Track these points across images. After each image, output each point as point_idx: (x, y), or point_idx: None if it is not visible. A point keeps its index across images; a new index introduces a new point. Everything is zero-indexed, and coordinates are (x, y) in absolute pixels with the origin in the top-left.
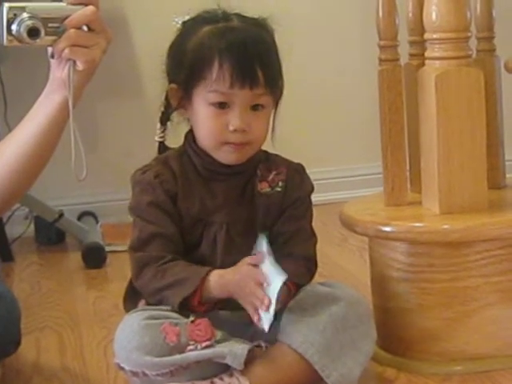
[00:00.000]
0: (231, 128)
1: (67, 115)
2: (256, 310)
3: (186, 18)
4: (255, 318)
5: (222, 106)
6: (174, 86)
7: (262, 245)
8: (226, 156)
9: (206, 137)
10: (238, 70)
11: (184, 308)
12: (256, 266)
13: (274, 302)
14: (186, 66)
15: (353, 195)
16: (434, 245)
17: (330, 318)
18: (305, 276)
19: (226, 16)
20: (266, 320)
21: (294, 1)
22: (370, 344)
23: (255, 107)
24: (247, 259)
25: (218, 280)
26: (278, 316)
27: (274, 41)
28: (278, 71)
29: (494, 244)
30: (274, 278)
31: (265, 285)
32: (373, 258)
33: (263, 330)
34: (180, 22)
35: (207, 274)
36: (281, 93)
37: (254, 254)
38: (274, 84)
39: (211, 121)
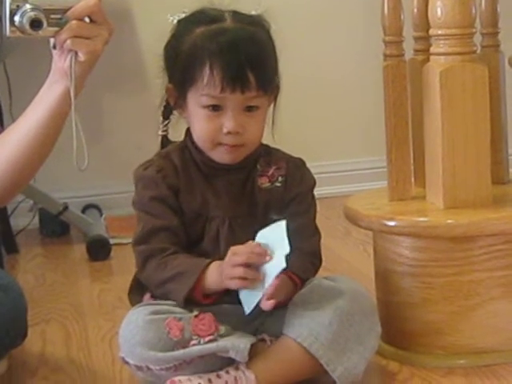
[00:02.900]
0: (225, 130)
1: (69, 105)
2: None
3: (182, 15)
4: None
5: (215, 108)
6: (170, 85)
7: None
8: (221, 156)
9: (200, 138)
10: (229, 74)
11: (189, 302)
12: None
13: (269, 281)
14: (179, 68)
15: (356, 189)
16: (437, 239)
17: (335, 313)
18: (310, 271)
19: (220, 15)
20: (248, 299)
21: None
22: (375, 338)
23: (249, 108)
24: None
25: (216, 270)
26: (281, 309)
27: (271, 38)
28: (272, 71)
29: (497, 239)
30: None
31: (267, 258)
32: (377, 253)
33: (244, 312)
34: (175, 21)
35: (206, 266)
36: (278, 89)
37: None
38: (266, 86)
39: (205, 123)
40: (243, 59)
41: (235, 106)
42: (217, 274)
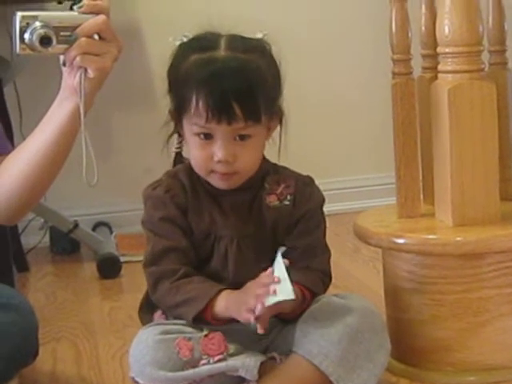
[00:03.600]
0: (215, 159)
1: (79, 122)
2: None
3: (184, 39)
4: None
5: (206, 136)
6: (171, 109)
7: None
8: (216, 182)
9: (195, 165)
10: (213, 106)
11: (199, 322)
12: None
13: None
14: (175, 94)
15: (365, 205)
16: (447, 257)
17: (344, 330)
18: (319, 286)
19: (214, 43)
20: (286, 290)
21: (305, 13)
22: (385, 355)
23: (241, 137)
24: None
25: (226, 299)
26: (291, 327)
27: (270, 64)
28: (267, 99)
29: (506, 256)
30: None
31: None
32: (386, 270)
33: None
34: (177, 43)
35: (217, 294)
36: (281, 113)
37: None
38: (256, 116)
39: (197, 151)
40: (228, 90)
41: (225, 136)
42: (226, 304)
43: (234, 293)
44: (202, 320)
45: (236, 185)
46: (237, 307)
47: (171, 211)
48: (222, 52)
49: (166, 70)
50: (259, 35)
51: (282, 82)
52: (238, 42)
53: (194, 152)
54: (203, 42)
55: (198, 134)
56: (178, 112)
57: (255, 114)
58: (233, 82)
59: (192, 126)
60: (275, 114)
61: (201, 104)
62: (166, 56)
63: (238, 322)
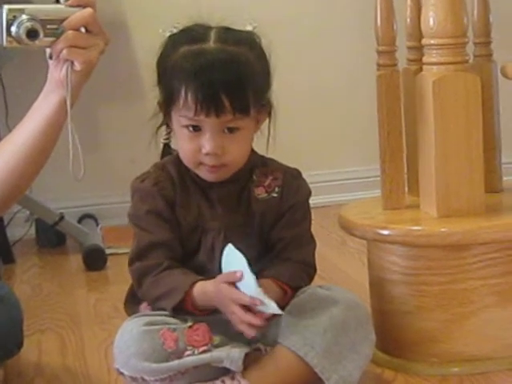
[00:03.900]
0: (203, 151)
1: (65, 115)
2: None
3: (174, 30)
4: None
5: (195, 128)
6: (160, 100)
7: (242, 264)
8: (204, 175)
9: (183, 157)
10: (202, 98)
11: (181, 312)
12: (232, 284)
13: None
14: (164, 85)
15: (351, 198)
16: (431, 248)
17: (330, 321)
18: (303, 279)
19: (204, 35)
20: (271, 309)
21: (293, 6)
22: (370, 347)
23: (230, 129)
24: (224, 276)
25: (201, 295)
26: (276, 318)
27: (260, 57)
28: (255, 93)
29: (490, 247)
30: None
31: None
32: (371, 261)
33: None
34: (167, 35)
35: (191, 287)
36: (270, 106)
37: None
38: (244, 109)
39: (186, 143)
40: (217, 82)
41: (213, 128)
42: (204, 296)
43: (210, 287)
44: (184, 310)
45: (224, 177)
46: (227, 311)
47: (158, 204)
48: (211, 44)
49: (156, 61)
50: (249, 27)
51: (271, 75)
52: (228, 35)
53: (183, 144)
54: (193, 34)
55: (187, 126)
56: (167, 104)
57: (244, 106)
58: (222, 74)
59: (180, 118)
60: (264, 107)
61: (189, 96)
62: (153, 48)
63: (221, 311)
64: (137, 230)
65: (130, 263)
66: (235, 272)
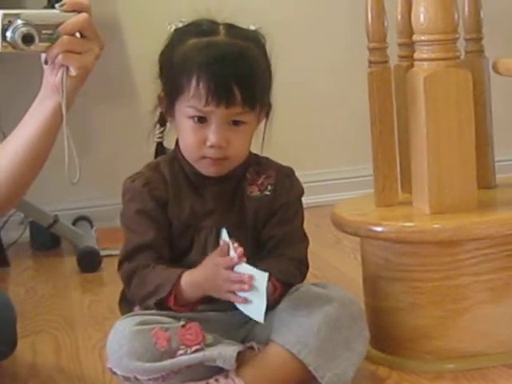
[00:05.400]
0: (208, 143)
1: (60, 120)
2: (235, 294)
3: (180, 24)
4: (239, 301)
5: (200, 120)
6: (161, 94)
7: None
8: (205, 169)
9: (186, 149)
10: (214, 88)
11: (162, 308)
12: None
13: (264, 293)
14: (169, 77)
15: (347, 197)
16: (424, 244)
17: (324, 319)
18: (294, 276)
19: (214, 29)
20: (258, 310)
21: (284, 4)
22: (364, 344)
23: (235, 122)
24: (213, 253)
25: (190, 281)
26: (269, 316)
27: (265, 54)
28: (261, 88)
29: (483, 243)
30: (256, 275)
31: (252, 283)
32: (364, 258)
33: (258, 322)
34: (173, 29)
35: (178, 278)
36: (269, 106)
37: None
38: (253, 102)
39: (190, 135)
40: (230, 74)
41: (220, 120)
42: (192, 283)
43: (197, 269)
44: (166, 307)
45: (225, 171)
46: (216, 284)
47: (148, 204)
48: (222, 37)
49: (159, 53)
50: (252, 28)
51: (272, 75)
52: (237, 30)
53: (187, 136)
54: (202, 27)
55: (193, 117)
56: (171, 96)
57: (252, 99)
58: (234, 66)
59: (187, 108)
60: (265, 106)
61: (201, 85)
62: (146, 51)
63: (213, 309)
64: (125, 232)
65: (119, 265)
66: (221, 247)
